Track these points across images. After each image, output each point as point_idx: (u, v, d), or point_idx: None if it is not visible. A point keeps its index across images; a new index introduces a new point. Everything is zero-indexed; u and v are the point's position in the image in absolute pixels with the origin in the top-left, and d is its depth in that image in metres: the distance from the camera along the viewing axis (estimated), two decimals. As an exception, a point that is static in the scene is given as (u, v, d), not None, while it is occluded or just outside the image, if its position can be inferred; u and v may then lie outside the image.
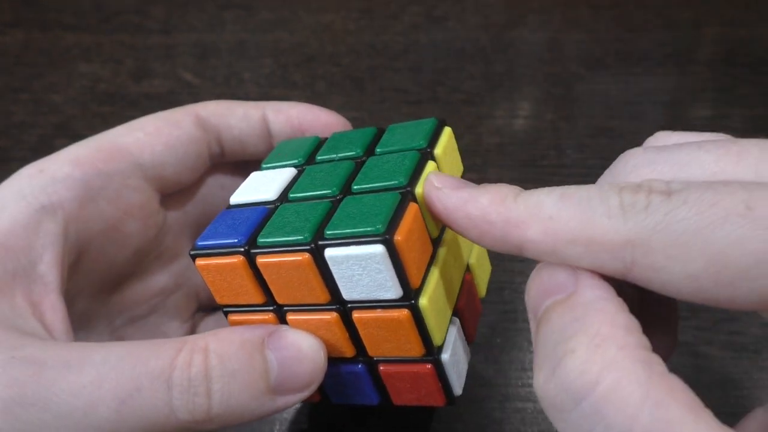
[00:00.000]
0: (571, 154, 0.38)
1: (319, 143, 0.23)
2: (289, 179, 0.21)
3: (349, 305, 0.19)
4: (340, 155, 0.21)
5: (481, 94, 0.43)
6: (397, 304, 0.18)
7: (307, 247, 0.18)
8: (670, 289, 0.14)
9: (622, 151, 0.18)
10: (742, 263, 0.13)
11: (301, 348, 0.18)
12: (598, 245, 0.15)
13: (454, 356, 0.20)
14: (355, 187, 0.19)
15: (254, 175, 0.22)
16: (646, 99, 0.42)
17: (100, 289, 0.22)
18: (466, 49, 0.46)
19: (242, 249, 0.18)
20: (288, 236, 0.18)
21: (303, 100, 0.25)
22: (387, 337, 0.19)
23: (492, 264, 0.26)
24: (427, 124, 0.21)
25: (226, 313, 0.20)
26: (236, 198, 0.21)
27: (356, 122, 0.40)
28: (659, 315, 0.19)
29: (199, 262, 0.19)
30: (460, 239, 0.21)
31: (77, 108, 0.42)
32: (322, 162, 0.21)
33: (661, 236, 0.14)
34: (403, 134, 0.21)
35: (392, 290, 0.18)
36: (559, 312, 0.15)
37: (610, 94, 0.42)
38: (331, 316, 0.19)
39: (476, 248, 0.23)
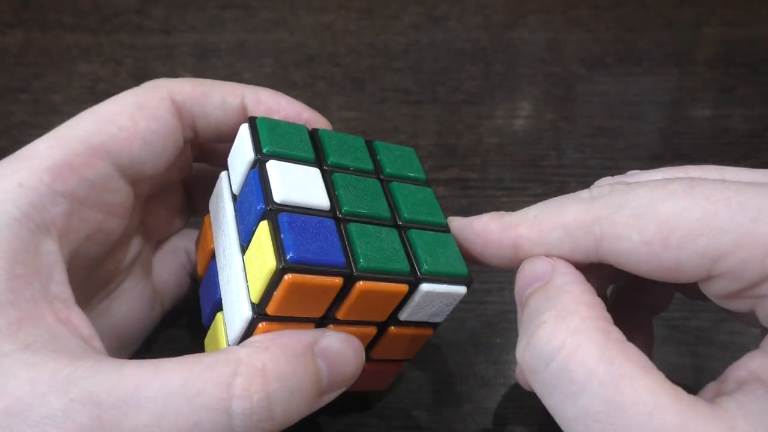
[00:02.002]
0: (571, 154, 0.38)
1: (310, 134, 0.22)
2: (322, 181, 0.20)
3: (390, 323, 0.21)
4: (353, 166, 0.22)
5: (481, 94, 0.43)
6: (430, 325, 0.21)
7: (409, 279, 0.19)
8: (631, 261, 0.18)
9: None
10: (686, 227, 0.16)
11: (348, 354, 0.20)
12: (573, 226, 0.18)
13: None
14: (405, 216, 0.21)
15: (279, 166, 0.20)
16: (646, 99, 0.42)
17: (80, 280, 0.22)
18: (466, 49, 0.46)
19: (346, 271, 0.18)
20: (390, 265, 0.19)
21: (303, 100, 0.25)
22: (403, 345, 0.22)
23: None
24: (411, 153, 0.24)
25: (255, 320, 0.19)
26: (284, 196, 0.19)
27: (356, 122, 0.40)
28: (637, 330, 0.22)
29: (293, 278, 0.18)
30: None
31: (77, 108, 0.42)
32: (341, 169, 0.21)
33: (623, 210, 0.18)
34: (396, 159, 0.23)
35: (444, 317, 0.21)
36: (536, 296, 0.19)
37: (610, 94, 0.42)
38: (371, 330, 0.21)
39: None
